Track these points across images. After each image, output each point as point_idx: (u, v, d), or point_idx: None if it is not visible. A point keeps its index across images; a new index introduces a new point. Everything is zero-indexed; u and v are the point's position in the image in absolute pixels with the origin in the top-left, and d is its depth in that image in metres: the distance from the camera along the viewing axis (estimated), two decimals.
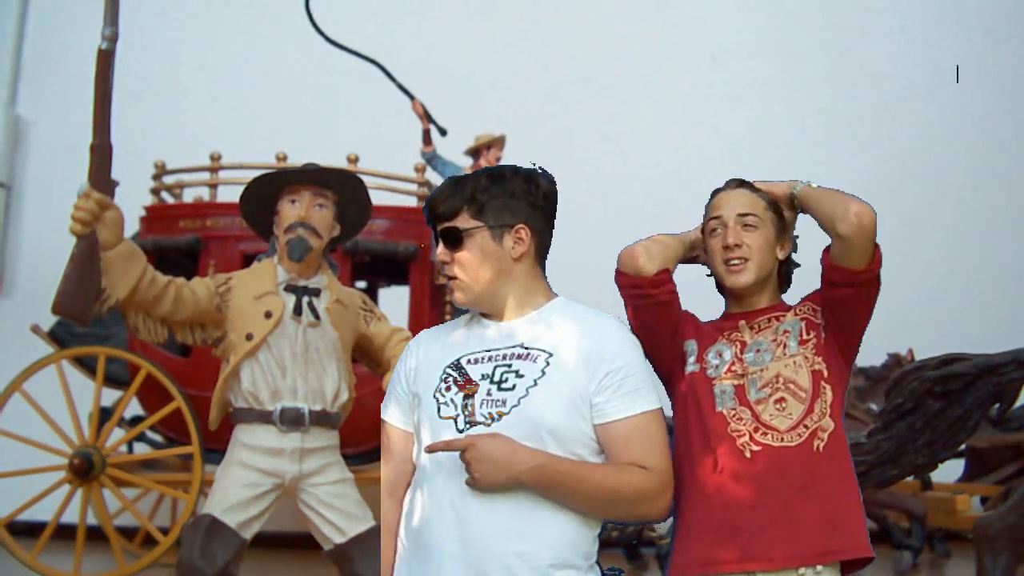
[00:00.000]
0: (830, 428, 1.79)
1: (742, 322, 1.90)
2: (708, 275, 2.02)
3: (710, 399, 1.83)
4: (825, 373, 1.82)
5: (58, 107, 8.19)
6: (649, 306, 1.87)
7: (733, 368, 1.84)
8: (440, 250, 1.79)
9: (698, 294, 2.06)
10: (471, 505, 1.65)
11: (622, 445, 1.71)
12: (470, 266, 1.77)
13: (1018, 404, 4.18)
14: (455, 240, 1.77)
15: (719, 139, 8.44)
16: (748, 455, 1.77)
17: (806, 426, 1.78)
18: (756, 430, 1.79)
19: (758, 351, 1.85)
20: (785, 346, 1.84)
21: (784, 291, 2.00)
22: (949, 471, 6.01)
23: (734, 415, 1.81)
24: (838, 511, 1.77)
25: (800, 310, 1.90)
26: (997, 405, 3.83)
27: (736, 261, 1.88)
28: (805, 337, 1.85)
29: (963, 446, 5.04)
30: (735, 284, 1.89)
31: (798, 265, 2.00)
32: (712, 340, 1.90)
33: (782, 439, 1.78)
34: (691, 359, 1.89)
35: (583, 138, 8.69)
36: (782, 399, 1.80)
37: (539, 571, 1.64)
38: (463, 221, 1.77)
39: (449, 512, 1.66)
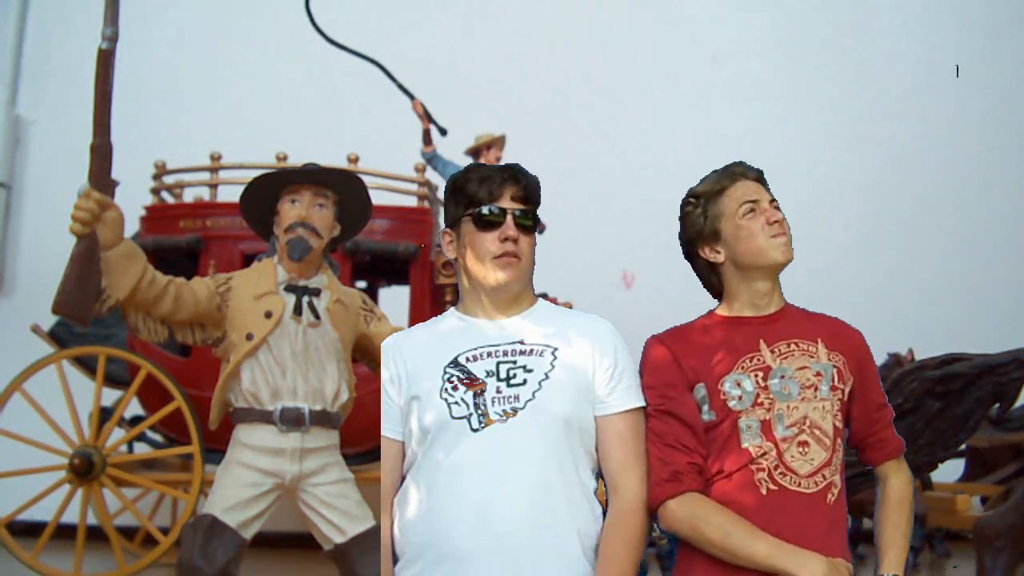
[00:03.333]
0: (839, 485, 1.80)
1: (762, 342, 1.84)
2: (708, 268, 1.97)
3: (736, 434, 1.79)
4: (842, 432, 1.83)
5: (58, 107, 8.19)
6: None
7: (760, 401, 1.79)
8: (512, 227, 1.80)
9: (695, 293, 2.06)
10: (494, 503, 1.66)
11: (617, 440, 1.78)
12: (528, 253, 1.83)
13: (1018, 404, 4.18)
14: (533, 226, 1.84)
15: (719, 139, 8.44)
16: (764, 492, 1.75)
17: (824, 476, 1.77)
18: (776, 468, 1.76)
19: (783, 377, 1.81)
20: (817, 389, 1.80)
21: None
22: (949, 471, 6.00)
23: (759, 451, 1.77)
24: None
25: (834, 357, 1.85)
26: (997, 405, 3.83)
27: (782, 236, 1.86)
28: (836, 385, 1.83)
29: (963, 446, 5.03)
30: (784, 258, 1.86)
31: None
32: (725, 368, 1.82)
33: (799, 484, 1.75)
34: (705, 407, 1.82)
35: (583, 138, 8.69)
36: (805, 443, 1.77)
37: (563, 560, 1.67)
38: (534, 211, 1.85)
39: (471, 510, 1.66)
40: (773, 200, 1.92)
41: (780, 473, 1.76)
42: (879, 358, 6.59)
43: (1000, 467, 6.43)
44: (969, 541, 4.64)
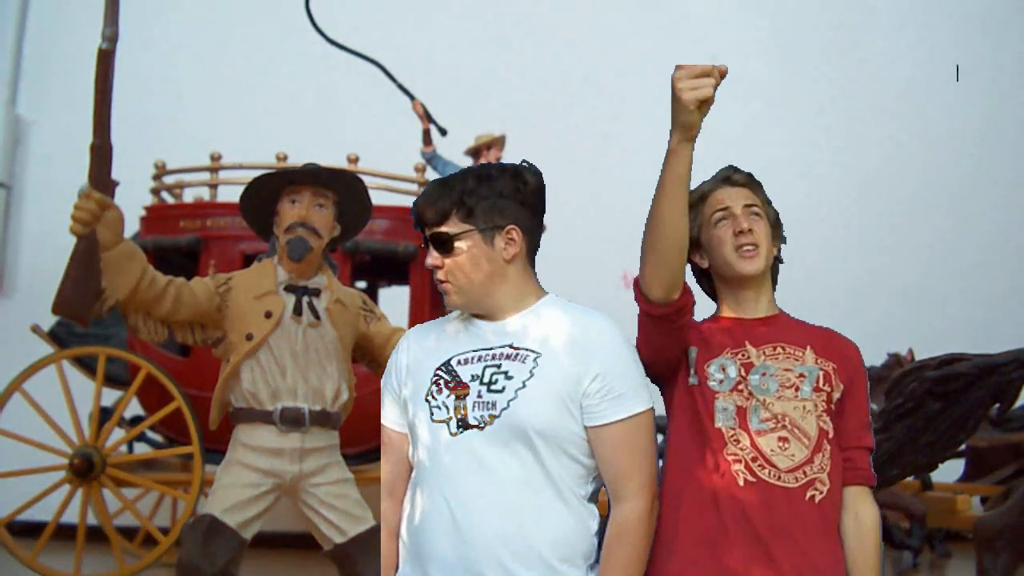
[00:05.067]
0: (827, 485, 1.76)
1: (747, 342, 1.84)
2: (700, 273, 1.97)
3: (710, 412, 1.79)
4: (830, 434, 1.79)
5: (58, 107, 8.19)
6: (670, 331, 1.80)
7: (739, 388, 1.79)
8: (431, 255, 1.77)
9: (694, 292, 2.05)
10: (468, 508, 1.65)
11: (610, 451, 1.72)
12: (462, 270, 1.75)
13: (1018, 404, 4.18)
14: (446, 245, 1.76)
15: (719, 139, 8.38)
16: (741, 483, 1.74)
17: (805, 473, 1.74)
18: (754, 460, 1.74)
19: (764, 374, 1.80)
20: (798, 388, 1.79)
21: (772, 291, 1.96)
22: (949, 471, 6.00)
23: (732, 436, 1.76)
24: (816, 567, 1.72)
25: (823, 363, 1.83)
26: (997, 405, 3.83)
27: (749, 247, 1.83)
28: (820, 387, 1.80)
29: (963, 446, 5.03)
30: (749, 270, 1.84)
31: (782, 262, 1.97)
32: (716, 352, 1.83)
33: (779, 478, 1.73)
34: (691, 371, 1.83)
35: (583, 138, 8.69)
36: (785, 438, 1.75)
37: (536, 570, 1.64)
38: (453, 225, 1.75)
39: (445, 515, 1.66)
40: (750, 205, 1.88)
41: (759, 465, 1.74)
42: (879, 358, 6.67)
43: (1000, 467, 6.43)
44: (969, 541, 4.64)
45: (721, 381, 1.80)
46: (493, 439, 1.67)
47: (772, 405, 1.77)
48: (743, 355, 1.83)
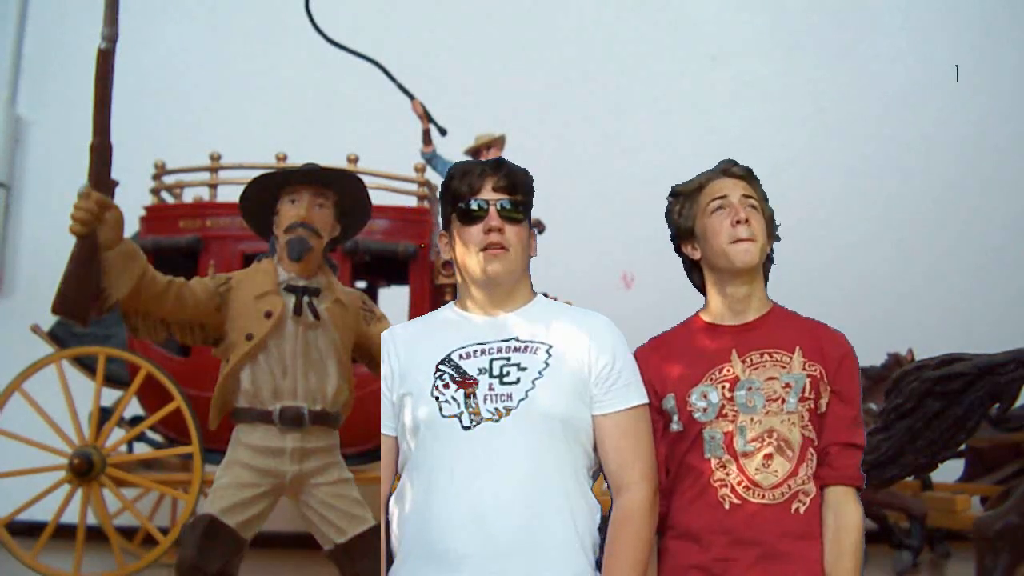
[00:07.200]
0: (812, 493, 1.77)
1: (734, 352, 1.83)
2: (691, 265, 1.96)
3: (699, 444, 1.80)
4: (815, 442, 1.79)
5: (58, 107, 8.20)
6: None
7: (724, 412, 1.78)
8: (495, 219, 1.77)
9: (696, 292, 2.05)
10: (490, 501, 1.64)
11: (613, 440, 1.76)
12: (517, 245, 1.80)
13: (1018, 404, 4.19)
14: (524, 216, 1.81)
15: (719, 139, 8.44)
16: (727, 507, 1.76)
17: (789, 487, 1.75)
18: (740, 483, 1.76)
19: (750, 389, 1.79)
20: (784, 401, 1.77)
21: (764, 287, 1.95)
22: (949, 471, 6.00)
23: (719, 464, 1.77)
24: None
25: (810, 367, 1.80)
26: (997, 405, 3.84)
27: (746, 237, 1.82)
28: (806, 395, 1.78)
29: (963, 446, 5.03)
30: (745, 262, 1.82)
31: (773, 261, 1.95)
32: (697, 376, 1.83)
33: (763, 496, 1.75)
34: (674, 418, 1.83)
35: (583, 138, 8.69)
36: (769, 455, 1.76)
37: (560, 560, 1.65)
38: (521, 201, 1.82)
39: (465, 510, 1.65)
40: (748, 197, 1.86)
41: (744, 487, 1.76)
42: (879, 358, 6.66)
43: (1000, 467, 6.43)
44: (969, 541, 4.64)
45: (705, 409, 1.80)
46: (510, 430, 1.68)
47: (759, 423, 1.77)
48: (727, 370, 1.82)
